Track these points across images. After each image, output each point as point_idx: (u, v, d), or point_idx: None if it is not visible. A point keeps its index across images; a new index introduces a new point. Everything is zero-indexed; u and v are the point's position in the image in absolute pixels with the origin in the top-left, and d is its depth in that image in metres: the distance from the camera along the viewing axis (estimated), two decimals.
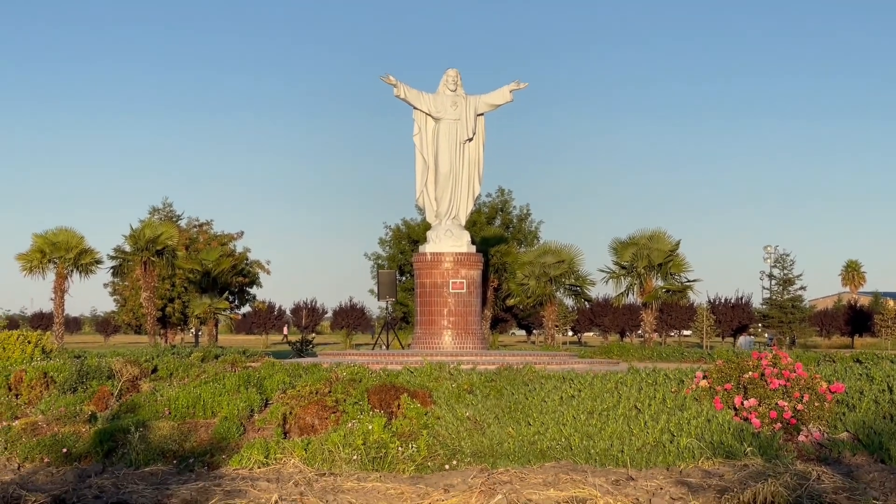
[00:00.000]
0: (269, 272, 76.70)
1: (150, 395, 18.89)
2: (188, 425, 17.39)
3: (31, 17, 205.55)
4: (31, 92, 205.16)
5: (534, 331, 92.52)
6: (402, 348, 36.75)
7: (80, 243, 51.01)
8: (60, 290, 50.86)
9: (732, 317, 78.82)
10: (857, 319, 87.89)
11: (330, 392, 17.53)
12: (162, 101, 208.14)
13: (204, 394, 18.24)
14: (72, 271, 51.18)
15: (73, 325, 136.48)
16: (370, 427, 15.70)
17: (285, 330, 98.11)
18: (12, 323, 78.91)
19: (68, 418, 17.68)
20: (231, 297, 73.88)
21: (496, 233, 59.15)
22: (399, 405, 16.66)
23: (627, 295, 53.58)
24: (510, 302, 59.62)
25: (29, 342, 24.12)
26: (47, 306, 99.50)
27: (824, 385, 16.18)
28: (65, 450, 16.30)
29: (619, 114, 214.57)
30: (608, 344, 48.60)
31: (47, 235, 50.62)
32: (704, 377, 16.91)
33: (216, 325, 68.89)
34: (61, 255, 50.38)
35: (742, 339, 70.85)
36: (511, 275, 56.09)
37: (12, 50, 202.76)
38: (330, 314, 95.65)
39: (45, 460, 16.25)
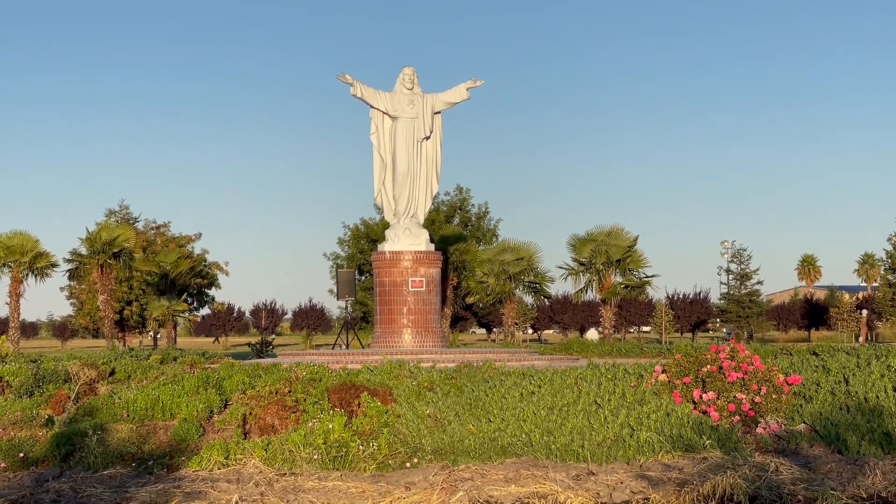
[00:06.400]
0: (227, 273, 76.47)
1: (108, 397, 18.72)
2: (147, 428, 17.26)
3: None
4: None
5: (494, 329, 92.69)
6: (363, 348, 36.64)
7: (35, 247, 50.48)
8: (16, 295, 50.33)
9: (691, 312, 79.42)
10: (813, 313, 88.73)
11: (290, 392, 17.47)
12: (118, 104, 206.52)
13: (163, 396, 18.10)
14: (27, 275, 50.65)
15: (30, 329, 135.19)
16: (330, 426, 15.66)
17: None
18: None
19: (25, 423, 17.50)
20: (189, 299, 73.49)
21: (455, 231, 59.18)
22: (359, 404, 16.63)
23: (586, 291, 53.70)
24: (470, 300, 59.64)
25: None
26: (2, 311, 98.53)
27: (781, 377, 16.31)
28: (21, 454, 16.13)
29: (575, 110, 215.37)
30: (568, 340, 48.70)
31: (1, 239, 50.01)
32: (663, 371, 16.99)
33: (175, 328, 68.47)
34: (16, 258, 49.81)
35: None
36: (470, 273, 56.10)
37: None
38: (290, 315, 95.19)
39: (2, 465, 16.07)
